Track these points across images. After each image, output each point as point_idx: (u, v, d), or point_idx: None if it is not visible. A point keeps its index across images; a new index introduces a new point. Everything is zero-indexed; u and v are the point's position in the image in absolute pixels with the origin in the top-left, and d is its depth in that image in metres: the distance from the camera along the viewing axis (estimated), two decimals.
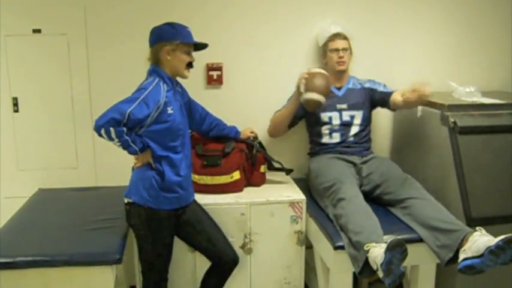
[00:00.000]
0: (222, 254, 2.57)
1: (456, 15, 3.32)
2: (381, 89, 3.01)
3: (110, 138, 2.23)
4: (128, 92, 3.07)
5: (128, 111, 2.19)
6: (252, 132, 3.00)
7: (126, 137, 2.24)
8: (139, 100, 2.23)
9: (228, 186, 2.82)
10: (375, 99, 3.03)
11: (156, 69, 2.37)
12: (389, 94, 2.97)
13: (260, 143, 3.01)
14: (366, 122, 3.04)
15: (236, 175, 2.81)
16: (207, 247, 2.56)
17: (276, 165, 3.01)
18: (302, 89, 2.78)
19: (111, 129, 2.19)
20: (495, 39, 3.38)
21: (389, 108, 3.02)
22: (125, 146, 2.28)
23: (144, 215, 2.37)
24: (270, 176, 3.04)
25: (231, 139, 2.87)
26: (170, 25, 2.37)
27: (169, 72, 2.38)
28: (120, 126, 2.20)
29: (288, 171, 3.02)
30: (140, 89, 2.29)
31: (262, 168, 2.95)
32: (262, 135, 3.10)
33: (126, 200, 2.42)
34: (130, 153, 2.34)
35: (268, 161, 2.98)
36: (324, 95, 2.77)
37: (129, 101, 2.23)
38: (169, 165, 2.37)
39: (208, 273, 2.63)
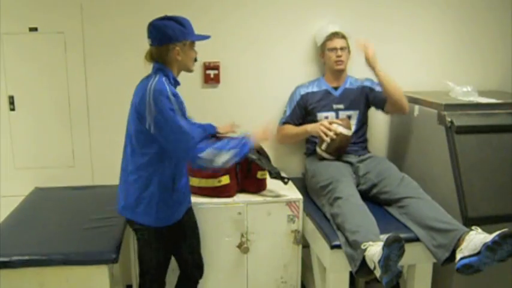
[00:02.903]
0: (194, 268, 2.57)
1: (453, 15, 3.32)
2: (378, 89, 3.00)
3: (218, 160, 2.12)
4: (124, 91, 3.07)
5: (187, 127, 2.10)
6: (233, 127, 2.82)
7: (212, 146, 2.13)
8: (177, 110, 2.09)
9: (215, 191, 2.72)
10: (371, 98, 3.03)
11: (163, 68, 2.20)
12: (382, 98, 2.97)
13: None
14: (362, 121, 3.04)
15: (225, 180, 2.71)
16: (187, 258, 2.53)
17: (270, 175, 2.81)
18: (323, 147, 2.86)
19: (205, 152, 2.09)
20: (492, 39, 3.38)
21: (382, 109, 3.01)
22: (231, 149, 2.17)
23: (153, 230, 2.30)
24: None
25: (213, 138, 2.70)
26: (176, 22, 2.18)
27: (176, 71, 2.25)
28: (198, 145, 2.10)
29: (285, 182, 2.83)
30: (163, 96, 2.08)
31: (260, 174, 2.80)
32: None
33: (130, 221, 2.32)
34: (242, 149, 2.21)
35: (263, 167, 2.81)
36: (337, 156, 2.88)
37: (175, 117, 2.08)
38: (178, 168, 2.28)
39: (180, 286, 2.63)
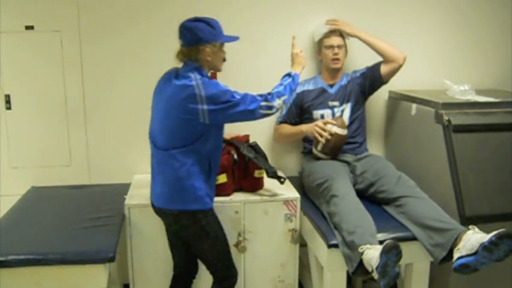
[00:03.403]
0: (193, 265, 2.58)
1: (450, 13, 3.32)
2: (365, 69, 3.05)
3: (275, 105, 2.32)
4: (121, 90, 3.08)
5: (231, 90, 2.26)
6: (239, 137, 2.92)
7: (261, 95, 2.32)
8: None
9: None
10: (367, 78, 3.02)
11: (198, 68, 2.27)
12: (375, 64, 3.00)
13: (251, 145, 2.87)
14: (356, 114, 3.03)
15: (222, 178, 2.70)
16: (187, 253, 2.54)
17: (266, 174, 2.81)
18: (319, 147, 2.86)
19: (263, 104, 2.28)
20: (490, 37, 3.38)
21: (381, 80, 3.00)
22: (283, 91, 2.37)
23: (210, 214, 2.35)
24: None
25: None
26: (207, 24, 2.27)
27: (206, 71, 2.32)
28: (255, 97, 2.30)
29: (281, 181, 2.82)
30: (211, 84, 2.24)
31: (257, 173, 2.80)
32: (258, 135, 3.08)
33: (180, 211, 2.32)
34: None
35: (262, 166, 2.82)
36: (333, 156, 2.88)
37: (225, 89, 2.25)
38: (213, 156, 2.37)
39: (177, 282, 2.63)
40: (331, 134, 2.79)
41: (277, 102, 2.31)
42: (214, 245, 2.39)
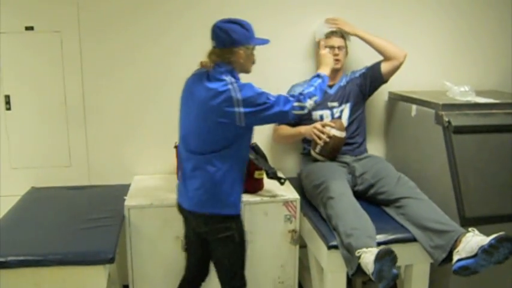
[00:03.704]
0: (205, 269, 2.56)
1: (450, 14, 3.32)
2: (365, 69, 3.06)
3: (306, 106, 2.32)
4: (121, 91, 3.08)
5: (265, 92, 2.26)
6: None
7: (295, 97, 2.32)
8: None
9: None
10: (368, 78, 3.03)
11: (231, 70, 2.26)
12: (375, 63, 3.01)
13: (251, 146, 2.80)
14: (355, 114, 3.03)
15: (259, 174, 2.74)
16: (206, 259, 2.51)
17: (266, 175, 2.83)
18: (317, 149, 2.85)
19: (296, 104, 2.28)
20: (490, 38, 3.38)
21: (382, 78, 3.01)
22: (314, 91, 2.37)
23: (239, 220, 2.35)
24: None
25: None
26: (241, 26, 2.25)
27: (239, 73, 2.31)
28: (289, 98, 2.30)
29: (282, 182, 2.84)
30: (247, 87, 2.22)
31: (257, 174, 2.80)
32: (257, 136, 3.07)
33: (213, 214, 2.30)
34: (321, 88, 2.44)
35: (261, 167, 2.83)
36: (332, 158, 2.88)
37: (260, 91, 2.25)
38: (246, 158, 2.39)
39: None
40: (329, 137, 2.79)
41: (308, 103, 2.32)
42: (236, 251, 2.37)
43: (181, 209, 2.40)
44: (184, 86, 2.36)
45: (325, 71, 2.55)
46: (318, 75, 2.50)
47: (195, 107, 2.25)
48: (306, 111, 2.33)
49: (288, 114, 2.27)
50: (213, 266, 2.46)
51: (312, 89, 2.38)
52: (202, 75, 2.28)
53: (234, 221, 2.33)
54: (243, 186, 2.37)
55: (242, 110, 2.16)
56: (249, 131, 2.30)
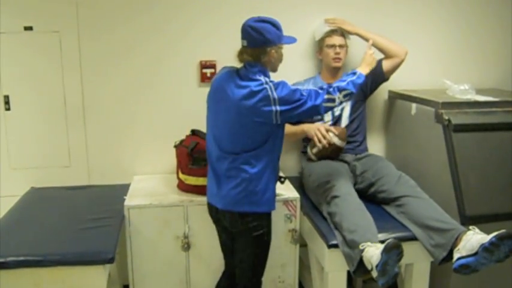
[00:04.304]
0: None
1: (450, 13, 3.31)
2: None
3: (335, 98, 2.30)
4: (121, 91, 3.07)
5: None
6: None
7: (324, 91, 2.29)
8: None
9: None
10: (369, 76, 2.97)
11: (264, 71, 2.26)
12: (377, 61, 2.97)
13: None
14: (356, 113, 3.03)
15: None
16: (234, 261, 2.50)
17: None
18: (314, 150, 2.85)
19: (326, 97, 2.26)
20: (490, 37, 3.38)
21: (384, 76, 3.02)
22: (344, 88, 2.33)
23: (267, 219, 2.35)
24: None
25: None
26: (273, 25, 2.23)
27: (269, 71, 2.31)
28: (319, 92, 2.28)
29: (282, 181, 2.82)
30: (282, 85, 2.21)
31: None
32: None
33: (249, 213, 2.29)
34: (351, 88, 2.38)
35: None
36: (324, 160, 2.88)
37: (294, 88, 2.24)
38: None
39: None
40: (329, 143, 2.79)
41: (337, 96, 2.29)
42: (263, 249, 2.38)
43: (213, 209, 2.38)
44: (213, 86, 2.35)
45: (364, 70, 2.50)
46: (354, 72, 2.44)
47: (228, 107, 2.23)
48: (336, 103, 2.31)
49: (320, 107, 2.27)
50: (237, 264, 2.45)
51: (343, 83, 2.34)
52: (232, 74, 2.27)
53: (266, 219, 2.34)
54: (276, 183, 2.38)
55: (278, 108, 2.17)
56: (282, 128, 2.31)
